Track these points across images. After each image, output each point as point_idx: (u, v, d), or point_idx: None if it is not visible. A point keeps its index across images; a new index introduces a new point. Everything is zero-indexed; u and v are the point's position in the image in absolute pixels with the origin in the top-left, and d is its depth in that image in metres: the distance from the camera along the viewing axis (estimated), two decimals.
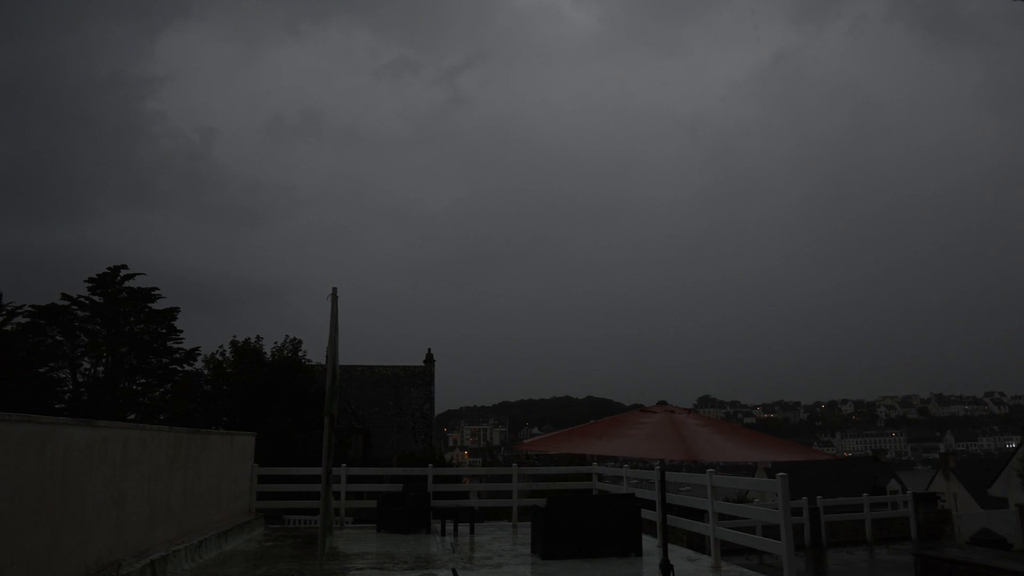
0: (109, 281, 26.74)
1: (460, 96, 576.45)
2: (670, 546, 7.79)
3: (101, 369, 26.09)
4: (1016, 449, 40.22)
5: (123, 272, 27.12)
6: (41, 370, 24.36)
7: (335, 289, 10.89)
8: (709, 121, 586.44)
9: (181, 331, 27.63)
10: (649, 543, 10.49)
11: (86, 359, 26.06)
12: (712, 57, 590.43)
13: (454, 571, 8.90)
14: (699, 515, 11.52)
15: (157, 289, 27.53)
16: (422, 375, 35.71)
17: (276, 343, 27.08)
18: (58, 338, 25.44)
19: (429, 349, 36.63)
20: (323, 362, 11.05)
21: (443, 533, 12.40)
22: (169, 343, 27.35)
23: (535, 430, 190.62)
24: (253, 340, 26.71)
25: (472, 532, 12.42)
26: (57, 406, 24.08)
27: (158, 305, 27.47)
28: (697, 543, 13.07)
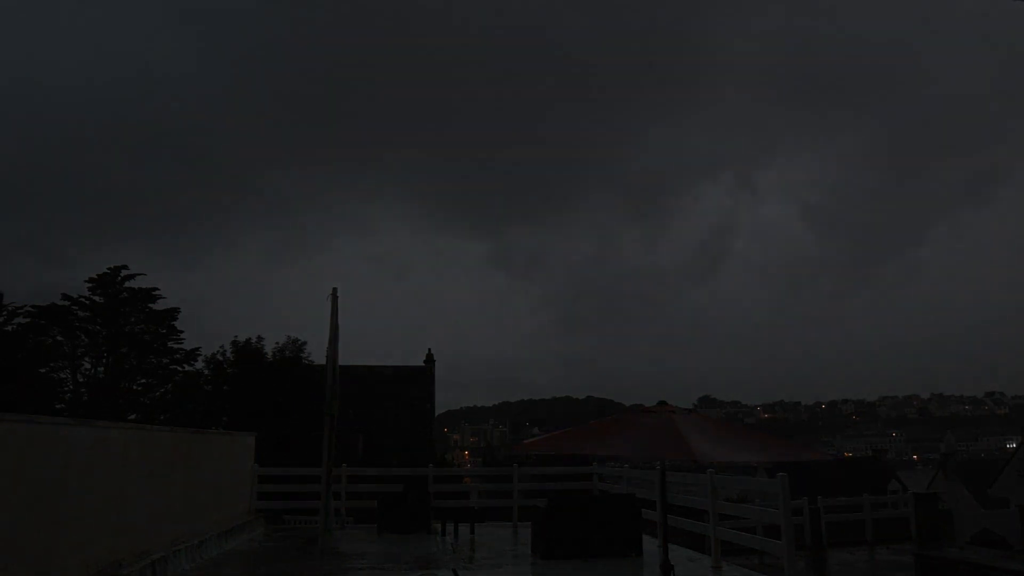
0: (110, 281, 26.73)
1: None
2: (671, 546, 7.78)
3: (101, 369, 26.07)
4: (1017, 449, 40.18)
5: (123, 272, 27.12)
6: (42, 370, 24.36)
7: (335, 289, 10.89)
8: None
9: (182, 331, 27.65)
10: (649, 543, 10.47)
11: (87, 359, 26.05)
12: None
13: (454, 571, 8.90)
14: (699, 515, 11.51)
15: (157, 289, 27.54)
16: (422, 375, 35.68)
17: (277, 343, 27.17)
18: (59, 338, 25.42)
19: (429, 349, 36.59)
20: (324, 362, 11.05)
21: (443, 533, 12.39)
22: (169, 343, 27.34)
23: (535, 430, 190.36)
24: (254, 340, 26.75)
25: (472, 532, 12.41)
26: (58, 406, 24.06)
27: (158, 305, 27.49)
28: (698, 543, 13.05)
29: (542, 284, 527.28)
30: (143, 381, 27.00)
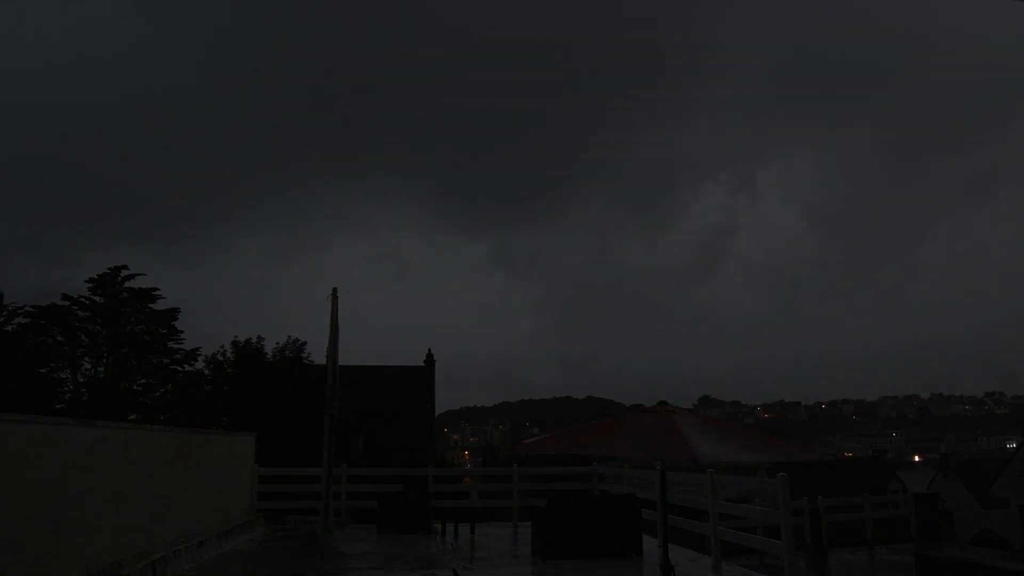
0: (110, 281, 26.71)
1: None
2: (671, 546, 7.77)
3: (102, 369, 26.05)
4: (1017, 449, 40.17)
5: (123, 272, 27.10)
6: (42, 371, 24.33)
7: (335, 289, 10.88)
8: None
9: (182, 331, 27.63)
10: (650, 543, 10.48)
11: (87, 359, 26.03)
12: None
13: (455, 571, 8.90)
14: (700, 515, 11.52)
15: (157, 289, 27.53)
16: (422, 375, 35.64)
17: (277, 343, 27.16)
18: (59, 338, 25.40)
19: (429, 349, 36.54)
20: (324, 362, 11.04)
21: (443, 533, 12.40)
22: (170, 343, 27.32)
23: (535, 430, 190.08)
24: (254, 340, 26.74)
25: (473, 532, 12.41)
26: (58, 406, 24.04)
27: (158, 305, 27.48)
28: (698, 543, 13.05)
29: (542, 284, 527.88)
30: (143, 381, 26.98)
